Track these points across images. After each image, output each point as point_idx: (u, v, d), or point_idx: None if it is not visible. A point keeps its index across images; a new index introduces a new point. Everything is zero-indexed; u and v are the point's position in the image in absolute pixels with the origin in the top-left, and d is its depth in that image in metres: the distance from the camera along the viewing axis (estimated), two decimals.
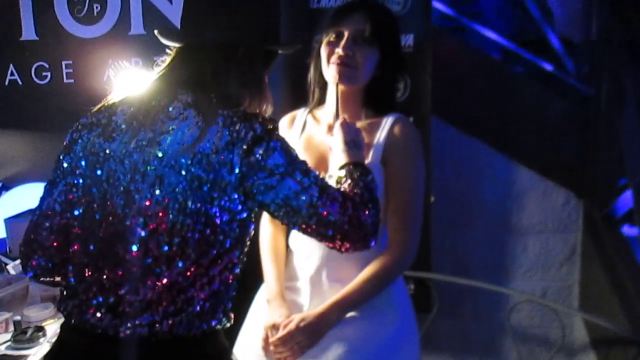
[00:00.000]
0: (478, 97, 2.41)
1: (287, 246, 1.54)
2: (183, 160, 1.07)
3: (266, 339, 1.43)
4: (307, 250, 1.48)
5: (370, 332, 1.42)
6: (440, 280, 2.30)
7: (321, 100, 1.55)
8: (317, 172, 1.10)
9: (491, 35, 2.45)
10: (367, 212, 1.09)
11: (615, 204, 2.35)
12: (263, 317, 1.48)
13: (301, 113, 1.58)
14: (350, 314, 1.42)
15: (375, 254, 1.45)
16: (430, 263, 2.27)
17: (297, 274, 1.51)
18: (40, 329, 1.53)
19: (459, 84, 2.39)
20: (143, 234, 1.07)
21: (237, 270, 1.15)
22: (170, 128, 1.10)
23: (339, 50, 1.41)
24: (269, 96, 1.21)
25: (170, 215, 1.06)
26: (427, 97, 2.15)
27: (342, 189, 1.16)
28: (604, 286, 2.29)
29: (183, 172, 1.07)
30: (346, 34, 1.42)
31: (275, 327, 1.42)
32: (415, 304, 1.59)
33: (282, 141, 1.10)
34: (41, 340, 1.51)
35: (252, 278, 1.47)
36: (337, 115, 1.43)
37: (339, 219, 1.07)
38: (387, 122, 1.46)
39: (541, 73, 2.42)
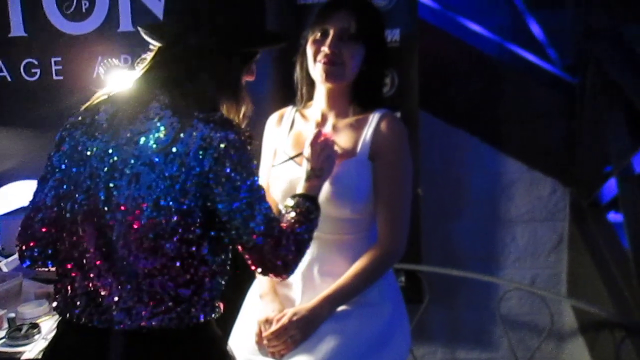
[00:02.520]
0: (465, 89, 2.43)
1: None
2: (157, 160, 1.12)
3: (260, 334, 1.45)
4: None
5: (362, 324, 1.45)
6: (430, 271, 2.33)
7: (309, 98, 1.56)
8: (268, 204, 1.17)
9: (477, 28, 2.47)
10: (294, 257, 1.18)
11: (600, 192, 2.39)
12: (256, 312, 1.50)
13: (289, 111, 1.60)
14: (342, 307, 1.45)
15: (367, 248, 1.47)
16: (421, 255, 2.30)
17: None
18: (35, 326, 1.55)
19: (445, 77, 2.41)
20: (122, 229, 1.12)
21: (218, 264, 1.18)
22: (147, 128, 1.15)
23: (324, 49, 1.43)
24: (246, 98, 1.25)
25: (146, 212, 1.12)
26: (415, 91, 2.17)
27: (284, 220, 1.24)
28: (591, 272, 2.33)
29: (157, 171, 1.12)
30: (332, 31, 1.43)
31: (268, 322, 1.44)
32: (407, 296, 1.62)
33: (250, 158, 1.15)
34: (36, 337, 1.53)
35: (244, 274, 1.49)
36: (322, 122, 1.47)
37: (270, 256, 1.15)
38: (374, 118, 1.48)
39: (527, 64, 2.44)
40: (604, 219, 2.39)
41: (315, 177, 1.38)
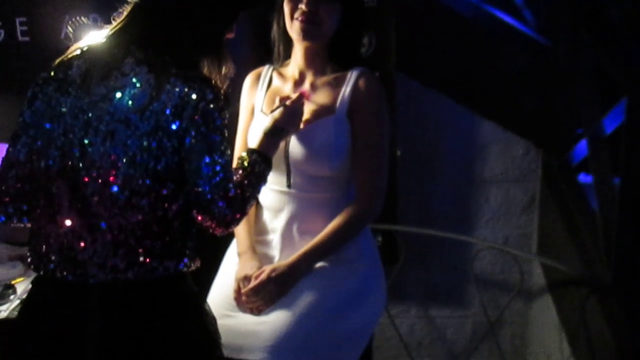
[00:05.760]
0: (441, 51, 2.43)
1: (257, 202, 1.57)
2: (133, 117, 1.13)
3: (238, 291, 1.47)
4: (278, 205, 1.51)
5: (339, 281, 1.47)
6: (406, 231, 2.37)
7: (286, 56, 1.55)
8: (231, 165, 1.20)
9: None
10: (239, 215, 1.21)
11: (571, 153, 2.44)
12: (234, 270, 1.52)
13: (266, 70, 1.59)
14: (319, 264, 1.47)
15: (344, 206, 1.49)
16: (397, 215, 2.33)
17: (268, 227, 1.55)
18: (9, 286, 1.55)
19: (422, 39, 2.40)
20: (96, 186, 1.13)
21: (191, 216, 1.20)
22: (122, 84, 1.14)
23: (302, 7, 1.41)
24: (227, 59, 1.24)
25: (121, 169, 1.12)
26: (392, 53, 2.16)
27: (238, 173, 1.26)
28: (560, 232, 2.40)
29: (132, 128, 1.12)
30: None
31: (247, 279, 1.46)
32: (383, 256, 1.65)
33: (225, 117, 1.16)
34: (11, 297, 1.53)
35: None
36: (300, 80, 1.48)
37: (220, 215, 1.17)
38: (352, 76, 1.48)
39: (502, 26, 2.44)
40: (574, 180, 2.44)
41: (277, 135, 1.40)
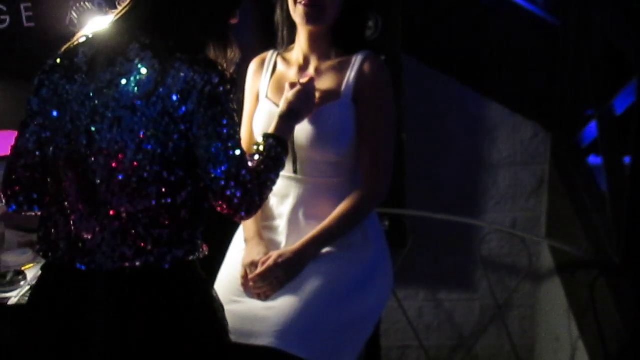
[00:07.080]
0: (448, 33, 2.40)
1: None
2: (139, 103, 1.12)
3: (245, 276, 1.48)
4: (284, 190, 1.52)
5: (346, 266, 1.48)
6: (414, 215, 2.36)
7: (290, 41, 1.54)
8: (243, 150, 1.18)
9: None
10: (259, 199, 1.19)
11: (581, 135, 2.41)
12: (241, 256, 1.52)
13: (270, 55, 1.58)
14: (326, 249, 1.48)
15: (351, 191, 1.49)
16: (405, 199, 2.32)
17: (274, 213, 1.55)
18: (19, 273, 1.56)
19: (428, 21, 2.37)
20: (104, 173, 1.13)
21: (198, 204, 1.19)
22: (127, 70, 1.13)
23: None
24: (233, 43, 1.23)
25: (128, 155, 1.12)
26: (398, 35, 2.14)
27: (252, 161, 1.24)
28: (569, 214, 2.38)
29: (139, 114, 1.12)
30: None
31: (253, 264, 1.46)
32: (391, 240, 1.65)
33: (232, 101, 1.15)
34: (22, 283, 1.55)
35: (229, 220, 1.50)
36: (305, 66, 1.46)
37: (235, 200, 1.15)
38: (357, 60, 1.46)
39: (510, 5, 2.40)
40: (583, 162, 2.42)
41: (292, 119, 1.39)
